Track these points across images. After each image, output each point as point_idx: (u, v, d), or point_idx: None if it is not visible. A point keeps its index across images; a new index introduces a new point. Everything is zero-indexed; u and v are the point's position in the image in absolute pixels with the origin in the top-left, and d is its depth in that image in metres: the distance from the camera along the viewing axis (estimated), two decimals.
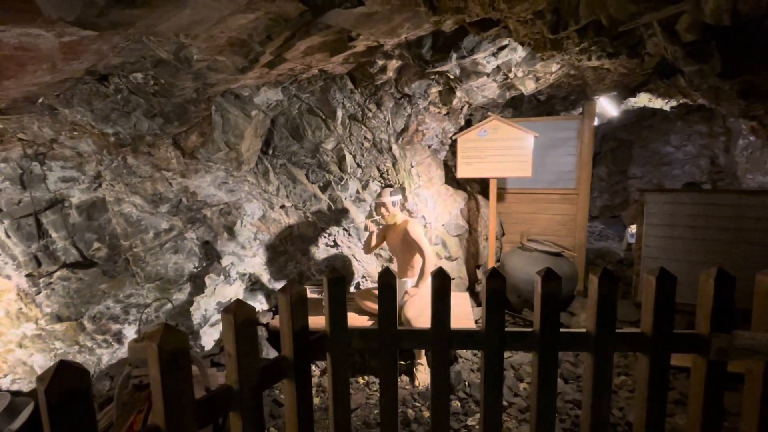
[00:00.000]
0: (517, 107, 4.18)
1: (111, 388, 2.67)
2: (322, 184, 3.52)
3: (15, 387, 2.69)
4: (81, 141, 2.54)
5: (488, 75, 2.83)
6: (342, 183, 3.52)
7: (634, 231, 5.10)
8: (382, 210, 3.02)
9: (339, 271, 1.52)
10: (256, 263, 3.48)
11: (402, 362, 3.01)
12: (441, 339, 1.50)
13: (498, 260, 4.14)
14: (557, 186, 4.03)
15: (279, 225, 3.53)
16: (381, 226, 3.18)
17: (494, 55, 2.52)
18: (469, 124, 3.94)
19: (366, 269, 3.80)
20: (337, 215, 3.61)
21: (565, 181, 4.00)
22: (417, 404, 2.52)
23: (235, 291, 3.36)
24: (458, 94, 3.20)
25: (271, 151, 3.33)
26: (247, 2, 1.52)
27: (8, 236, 2.48)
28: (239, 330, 1.16)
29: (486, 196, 4.13)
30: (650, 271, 1.29)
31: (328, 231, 3.66)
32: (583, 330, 1.35)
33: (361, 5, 1.45)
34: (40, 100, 2.31)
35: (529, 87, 3.07)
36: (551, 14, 1.46)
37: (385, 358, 1.57)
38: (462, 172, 3.64)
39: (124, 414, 2.10)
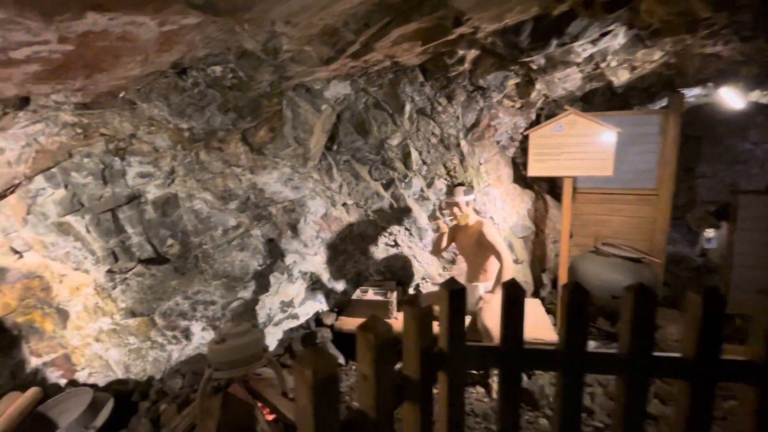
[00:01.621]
0: (589, 101, 3.88)
1: (182, 386, 2.65)
2: (385, 182, 3.38)
3: (91, 380, 2.72)
4: (157, 136, 2.50)
5: (578, 65, 2.60)
6: (406, 180, 3.37)
7: (710, 235, 4.70)
8: (455, 210, 2.85)
9: (459, 282, 1.36)
10: (317, 262, 3.40)
11: (475, 372, 2.84)
12: (574, 362, 1.31)
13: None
14: (634, 186, 3.72)
15: (340, 223, 3.43)
16: (450, 227, 3.01)
17: (593, 42, 2.28)
18: (538, 119, 3.70)
19: (427, 271, 3.65)
20: (399, 214, 3.47)
21: (642, 181, 3.69)
22: None
23: (297, 290, 3.29)
24: (538, 86, 2.97)
25: (335, 147, 3.22)
26: None
27: (88, 231, 2.49)
28: (380, 351, 1.03)
29: (555, 195, 3.88)
30: (695, 289, 1.11)
31: (388, 230, 3.53)
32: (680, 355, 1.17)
33: None
34: (121, 95, 2.28)
35: (621, 77, 2.80)
36: None
37: (507, 379, 1.40)
38: (533, 170, 3.40)
39: (207, 418, 2.05)
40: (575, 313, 1.25)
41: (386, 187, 3.40)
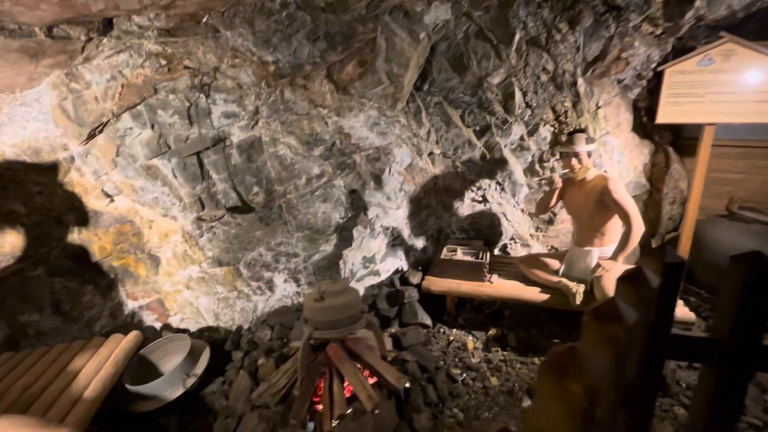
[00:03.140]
0: (739, 29, 3.08)
1: (271, 337, 2.59)
2: (479, 128, 2.95)
3: (183, 325, 2.73)
4: (241, 71, 2.23)
5: None
6: (504, 127, 2.92)
7: None
8: (573, 161, 2.39)
9: (675, 253, 0.99)
10: (398, 217, 3.13)
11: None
12: None
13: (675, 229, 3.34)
14: None
15: (424, 175, 3.10)
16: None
17: None
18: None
19: (517, 231, 3.28)
20: (492, 166, 3.06)
21: None
22: None
23: (378, 246, 3.08)
24: (697, 2, 2.31)
25: (426, 87, 2.80)
26: None
27: (175, 176, 2.35)
28: (626, 348, 0.72)
29: (678, 148, 3.25)
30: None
31: (477, 184, 3.15)
32: None
33: None
34: (204, 20, 1.99)
35: None
36: None
37: (729, 381, 1.05)
38: (664, 115, 2.79)
39: (309, 377, 1.94)
40: None
41: (480, 134, 2.97)
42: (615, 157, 2.94)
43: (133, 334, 2.28)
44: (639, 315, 0.78)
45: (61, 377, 1.93)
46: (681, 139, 3.30)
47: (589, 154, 2.40)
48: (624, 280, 0.92)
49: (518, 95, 2.81)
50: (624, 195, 2.27)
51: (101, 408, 1.84)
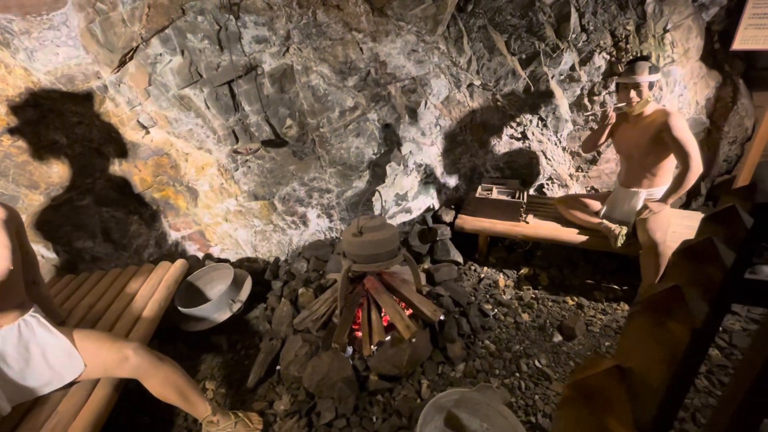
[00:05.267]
0: None
1: (307, 269, 2.69)
2: (525, 56, 2.69)
3: (224, 255, 2.86)
4: None
5: None
6: (554, 55, 2.65)
7: None
8: (632, 94, 2.17)
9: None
10: (432, 153, 3.02)
11: (616, 287, 2.53)
12: None
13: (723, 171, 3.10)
14: None
15: (462, 109, 2.92)
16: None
17: None
18: None
19: (556, 170, 3.13)
20: (536, 99, 2.84)
21: None
22: None
23: (411, 183, 3.02)
24: None
25: (470, 7, 2.52)
26: None
27: (208, 107, 2.29)
28: None
29: (750, 81, 2.90)
30: None
31: (517, 119, 2.96)
32: None
33: None
34: None
35: None
36: None
37: None
38: (744, 40, 2.46)
39: (349, 306, 2.03)
40: None
41: (526, 63, 2.72)
42: (677, 90, 2.66)
43: (180, 262, 2.41)
44: (736, 256, 0.72)
45: (121, 298, 2.09)
46: (755, 70, 2.93)
47: (651, 86, 2.17)
48: (712, 219, 0.85)
49: (574, 17, 2.51)
50: (686, 133, 2.08)
51: (159, 326, 2.00)
